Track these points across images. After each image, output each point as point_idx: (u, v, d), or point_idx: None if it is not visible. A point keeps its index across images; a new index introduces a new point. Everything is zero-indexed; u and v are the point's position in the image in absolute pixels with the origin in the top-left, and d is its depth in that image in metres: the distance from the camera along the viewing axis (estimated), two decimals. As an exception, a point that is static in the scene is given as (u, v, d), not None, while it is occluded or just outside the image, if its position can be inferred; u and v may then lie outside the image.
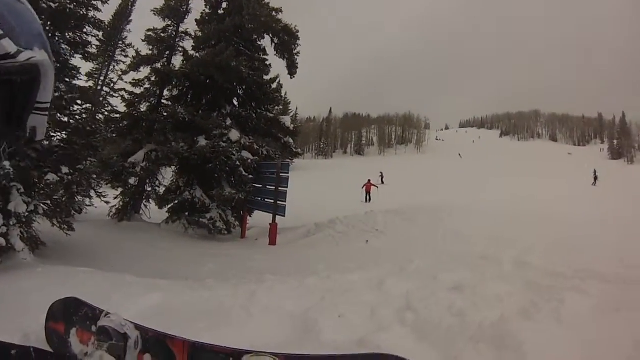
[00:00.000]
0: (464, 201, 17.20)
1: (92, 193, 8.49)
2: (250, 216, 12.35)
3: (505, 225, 10.33)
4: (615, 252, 6.60)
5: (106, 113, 11.66)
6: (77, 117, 7.83)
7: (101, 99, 11.82)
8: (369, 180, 23.07)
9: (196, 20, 13.05)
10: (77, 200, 7.82)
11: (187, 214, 11.25)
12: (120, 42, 13.01)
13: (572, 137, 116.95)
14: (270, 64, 13.66)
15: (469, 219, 11.12)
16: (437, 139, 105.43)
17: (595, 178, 33.67)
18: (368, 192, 22.14)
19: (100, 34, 10.95)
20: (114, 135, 11.61)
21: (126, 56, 12.83)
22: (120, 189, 11.37)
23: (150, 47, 12.23)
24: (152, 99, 12.21)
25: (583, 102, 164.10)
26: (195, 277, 5.83)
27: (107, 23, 11.55)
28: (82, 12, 8.22)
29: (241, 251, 9.22)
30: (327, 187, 28.33)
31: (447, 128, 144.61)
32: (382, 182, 29.88)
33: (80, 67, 8.47)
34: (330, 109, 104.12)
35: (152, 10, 12.36)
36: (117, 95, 12.08)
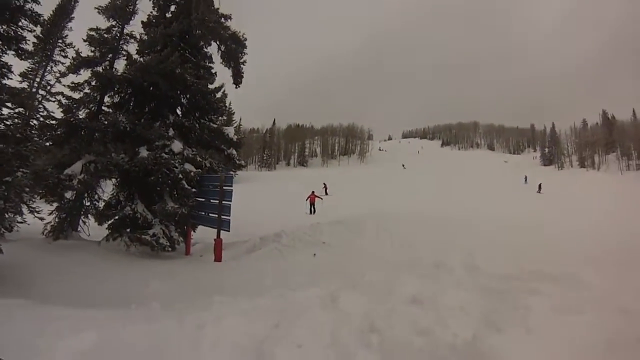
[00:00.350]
0: (407, 209, 17.68)
1: (24, 208, 7.83)
2: (194, 231, 11.94)
3: (449, 231, 10.65)
4: (557, 251, 6.95)
5: (41, 119, 10.65)
6: (6, 121, 7.17)
7: (36, 102, 10.78)
8: (313, 192, 23.32)
9: (142, 22, 12.39)
10: (6, 216, 7.15)
11: (128, 230, 10.61)
12: (60, 41, 11.87)
13: (507, 146, 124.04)
14: (215, 72, 13.31)
15: (413, 226, 11.37)
16: (380, 150, 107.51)
17: (539, 186, 37.23)
18: (312, 204, 22.31)
19: (38, 29, 10.03)
20: (49, 143, 10.72)
21: (65, 56, 11.71)
22: (55, 204, 10.47)
23: (92, 49, 11.40)
24: (91, 105, 11.36)
25: (517, 114, 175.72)
26: (139, 301, 5.47)
27: (46, 18, 10.63)
28: (17, 3, 7.52)
29: (186, 269, 8.87)
30: (271, 199, 28.31)
31: (390, 138, 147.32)
32: (326, 193, 30.32)
33: (12, 65, 7.70)
34: (274, 119, 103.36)
35: (96, 8, 11.51)
36: (54, 99, 11.02)
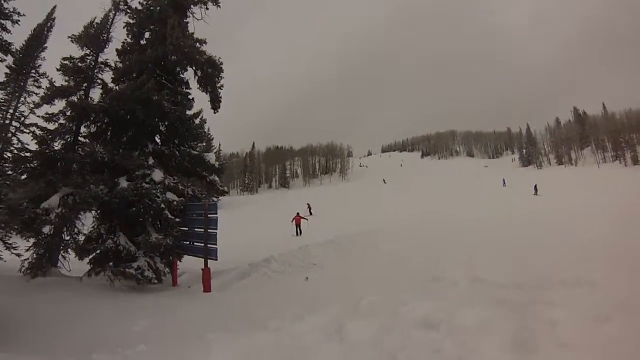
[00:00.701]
0: (395, 224, 17.64)
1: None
2: (180, 261, 11.54)
3: (440, 243, 10.56)
4: (558, 254, 6.87)
5: (15, 151, 10.23)
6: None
7: (9, 134, 10.37)
8: (298, 214, 23.13)
9: (117, 50, 12.08)
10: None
11: (111, 264, 10.14)
12: (33, 71, 11.49)
13: (486, 152, 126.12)
14: (193, 98, 13.00)
15: (403, 241, 11.29)
16: (360, 166, 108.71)
17: (535, 188, 36.61)
18: (298, 225, 22.07)
19: (10, 59, 9.81)
20: (24, 177, 10.27)
21: (39, 87, 11.26)
22: (32, 239, 9.96)
23: (66, 78, 11.05)
24: (67, 136, 10.94)
25: (493, 119, 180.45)
26: (125, 342, 5.16)
27: (18, 48, 10.49)
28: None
29: (174, 301, 8.53)
30: (256, 223, 28.21)
31: (369, 154, 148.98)
32: (310, 213, 30.24)
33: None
34: (253, 143, 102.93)
35: (69, 37, 11.19)
36: (27, 130, 10.60)
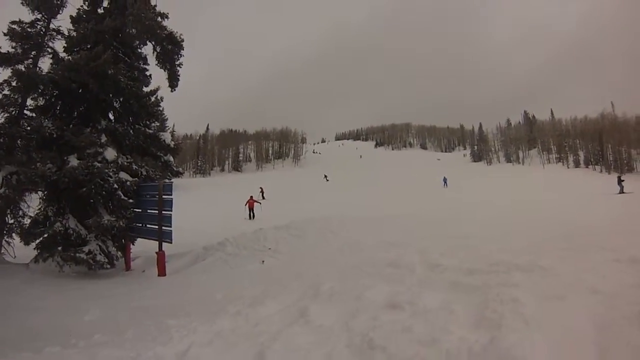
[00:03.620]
0: (349, 210, 17.80)
1: None
2: (133, 244, 11.15)
3: (394, 229, 10.70)
4: (506, 241, 7.13)
5: None
6: None
7: None
8: (251, 197, 23.13)
9: (71, 17, 11.26)
10: None
11: (60, 248, 9.63)
12: None
13: (439, 146, 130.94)
14: (150, 75, 12.47)
15: (357, 227, 11.34)
16: (314, 152, 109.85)
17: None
18: (251, 209, 22.07)
19: None
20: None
21: None
22: (-29, 224, 9.28)
23: (14, 44, 10.21)
24: (12, 109, 10.11)
25: (447, 115, 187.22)
26: (79, 333, 4.87)
27: None
28: None
29: (129, 287, 8.15)
30: (209, 206, 27.87)
31: (323, 141, 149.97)
32: (263, 198, 30.17)
33: None
34: (207, 125, 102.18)
35: None
36: None
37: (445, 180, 42.44)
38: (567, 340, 2.85)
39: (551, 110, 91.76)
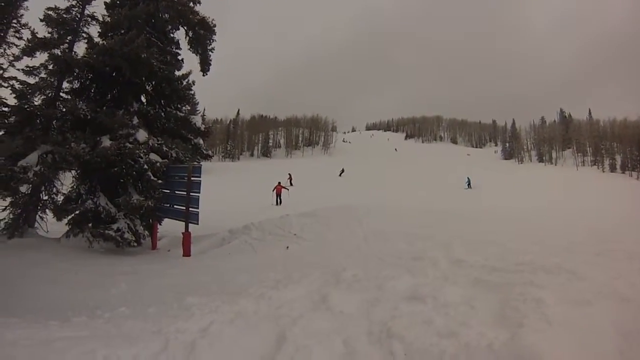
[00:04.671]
0: (377, 201, 17.70)
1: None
2: (160, 224, 11.43)
3: (423, 222, 10.56)
4: (534, 241, 6.93)
5: None
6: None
7: None
8: (279, 183, 23.43)
9: (105, 3, 11.49)
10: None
11: (90, 225, 9.95)
12: (15, 21, 10.76)
13: (470, 141, 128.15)
14: (182, 59, 12.64)
15: (385, 218, 11.24)
16: (344, 141, 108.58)
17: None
18: (279, 195, 22.34)
19: None
20: (2, 133, 9.93)
21: (20, 38, 10.53)
22: (9, 199, 9.62)
23: (50, 30, 10.47)
24: (48, 91, 10.44)
25: (480, 110, 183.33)
26: (105, 305, 5.03)
27: None
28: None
29: (154, 265, 8.34)
30: (237, 190, 28.15)
31: (354, 130, 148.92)
32: (291, 184, 30.26)
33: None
34: (238, 110, 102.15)
35: None
36: (6, 84, 10.02)
37: (469, 181, 37.56)
38: (591, 343, 2.81)
39: (589, 110, 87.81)
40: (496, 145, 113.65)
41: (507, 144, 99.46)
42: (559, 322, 3.04)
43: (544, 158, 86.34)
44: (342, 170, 47.21)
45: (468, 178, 38.13)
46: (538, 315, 3.18)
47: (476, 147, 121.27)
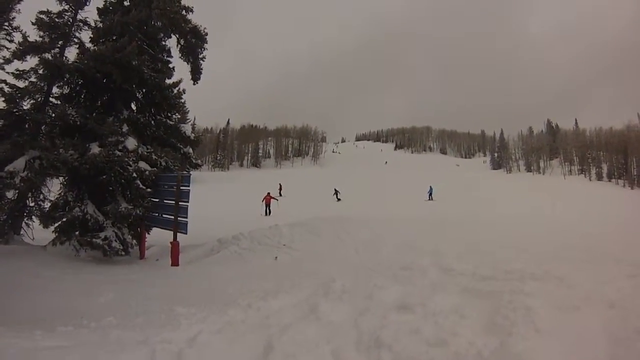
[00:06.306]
0: (366, 212, 17.72)
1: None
2: (148, 233, 11.33)
3: (410, 232, 10.59)
4: (526, 248, 6.96)
5: None
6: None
7: None
8: (269, 193, 23.42)
9: (98, 8, 11.48)
10: None
11: (77, 233, 9.82)
12: (6, 24, 10.71)
13: (459, 151, 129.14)
14: (173, 67, 12.62)
15: (374, 228, 11.24)
16: (334, 152, 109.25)
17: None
18: (268, 205, 22.34)
19: None
20: (-12, 137, 9.70)
21: (11, 41, 10.48)
22: (-5, 205, 9.46)
23: (41, 34, 10.46)
24: (38, 96, 10.39)
25: (469, 120, 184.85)
26: (91, 315, 4.96)
27: None
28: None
29: (142, 275, 8.26)
30: (226, 200, 28.03)
31: (343, 141, 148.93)
32: (280, 194, 30.25)
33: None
34: (228, 120, 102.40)
35: None
36: None
37: (430, 191, 33.70)
38: (580, 350, 2.83)
39: (575, 120, 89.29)
40: (485, 155, 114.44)
41: (496, 154, 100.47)
42: (548, 330, 3.06)
43: (532, 167, 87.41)
44: (336, 192, 36.23)
45: (430, 187, 34.28)
46: (527, 323, 3.20)
47: (465, 157, 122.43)
